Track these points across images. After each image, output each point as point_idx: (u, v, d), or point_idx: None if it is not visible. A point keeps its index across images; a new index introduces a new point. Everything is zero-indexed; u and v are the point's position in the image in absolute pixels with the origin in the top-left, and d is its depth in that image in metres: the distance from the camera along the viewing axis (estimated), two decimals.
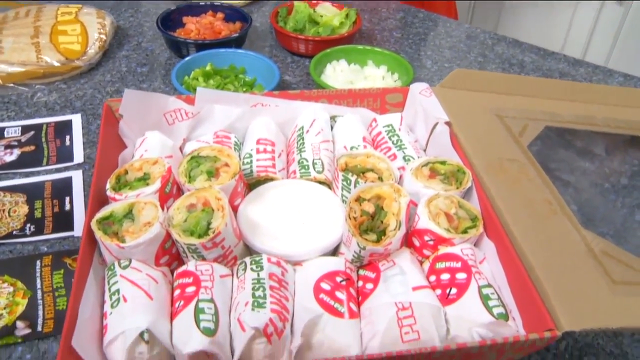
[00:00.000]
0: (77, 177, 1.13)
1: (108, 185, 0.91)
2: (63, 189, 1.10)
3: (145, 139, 1.05)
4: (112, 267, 0.82)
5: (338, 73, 1.41)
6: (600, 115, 1.22)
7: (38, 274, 0.93)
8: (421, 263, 0.91)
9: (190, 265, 0.83)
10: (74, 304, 0.75)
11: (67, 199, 1.07)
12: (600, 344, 0.90)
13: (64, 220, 1.03)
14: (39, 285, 0.91)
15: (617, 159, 1.26)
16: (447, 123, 1.09)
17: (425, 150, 1.12)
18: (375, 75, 1.41)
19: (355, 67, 1.43)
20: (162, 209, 0.85)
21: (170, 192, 0.91)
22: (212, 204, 0.85)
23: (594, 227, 1.06)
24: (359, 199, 0.89)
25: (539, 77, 1.52)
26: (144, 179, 0.91)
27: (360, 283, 0.88)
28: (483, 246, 0.91)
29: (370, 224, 0.87)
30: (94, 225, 0.83)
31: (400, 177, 1.00)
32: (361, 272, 0.89)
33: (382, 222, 0.87)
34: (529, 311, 0.80)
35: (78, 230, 1.01)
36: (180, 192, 0.94)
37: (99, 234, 0.82)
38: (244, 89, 1.33)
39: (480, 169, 0.99)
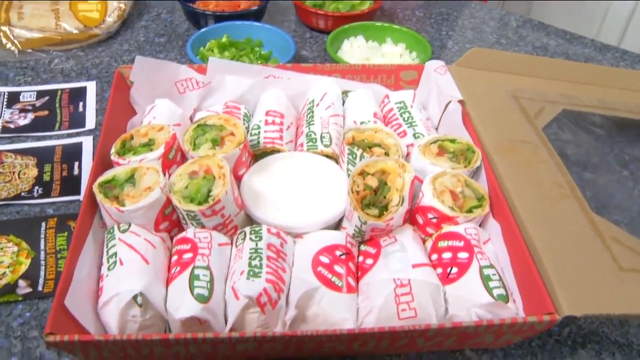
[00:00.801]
0: (87, 143, 1.13)
1: (113, 150, 0.90)
2: (73, 154, 1.10)
3: (154, 106, 1.04)
4: (111, 231, 0.82)
5: (355, 49, 1.38)
6: (623, 100, 1.18)
7: (42, 236, 0.93)
8: (424, 241, 0.89)
9: (189, 232, 0.83)
10: (70, 264, 0.75)
11: (76, 164, 1.08)
12: (605, 332, 0.87)
13: (72, 185, 1.03)
14: (42, 247, 0.92)
15: (638, 146, 1.22)
16: (460, 102, 1.06)
17: (437, 129, 1.10)
18: (392, 53, 1.38)
19: (373, 44, 1.40)
20: (165, 175, 0.84)
21: (174, 159, 0.90)
22: (214, 171, 0.84)
23: (608, 214, 1.03)
24: (362, 173, 0.87)
25: (559, 59, 1.47)
26: (149, 145, 0.91)
27: (361, 258, 0.86)
28: (488, 227, 0.88)
29: (372, 198, 0.85)
30: (95, 188, 0.83)
31: (408, 154, 0.98)
32: (362, 247, 0.87)
33: (385, 197, 0.85)
34: (531, 294, 0.77)
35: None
36: (184, 159, 0.93)
37: (99, 197, 0.82)
38: (259, 62, 1.31)
39: (490, 149, 0.97)
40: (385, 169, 0.87)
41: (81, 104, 1.23)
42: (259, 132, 1.02)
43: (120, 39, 1.46)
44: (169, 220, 0.85)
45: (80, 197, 1.01)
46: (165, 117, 1.01)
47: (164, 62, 1.09)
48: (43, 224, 0.95)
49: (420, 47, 1.37)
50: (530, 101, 1.11)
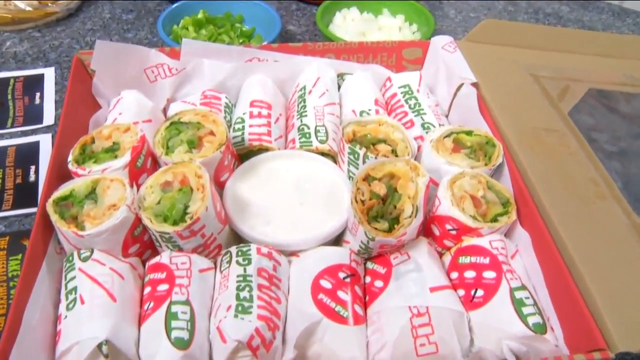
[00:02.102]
0: (45, 142, 0.99)
1: (70, 157, 0.77)
2: (28, 156, 0.96)
3: (120, 99, 0.90)
4: (70, 259, 0.69)
5: (348, 23, 1.24)
6: None
7: None
8: (441, 255, 0.77)
9: (164, 257, 0.70)
10: (18, 303, 0.63)
11: (33, 168, 0.94)
12: None
13: (27, 194, 0.90)
14: None
15: None
16: (474, 84, 0.93)
17: (447, 116, 0.97)
18: (390, 26, 1.23)
19: (368, 16, 1.26)
20: (132, 187, 0.71)
21: (143, 166, 0.76)
22: (191, 182, 0.71)
23: None
24: (367, 178, 0.74)
25: (579, 30, 1.33)
26: (113, 150, 0.77)
27: (368, 279, 0.74)
28: (515, 236, 0.76)
29: (381, 208, 0.72)
30: (49, 207, 0.70)
31: (418, 148, 0.85)
32: (369, 265, 0.75)
33: (395, 207, 0.72)
34: (572, 321, 0.66)
35: None
36: (156, 165, 0.80)
37: (54, 218, 0.69)
38: (241, 41, 1.17)
39: (512, 141, 0.84)
40: (394, 172, 0.74)
41: (38, 94, 1.08)
42: (243, 127, 0.88)
43: (83, 17, 1.31)
44: (140, 242, 0.72)
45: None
46: (133, 112, 0.87)
47: (129, 47, 0.95)
48: None
49: (421, 18, 1.23)
50: (551, 80, 0.98)
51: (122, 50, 0.94)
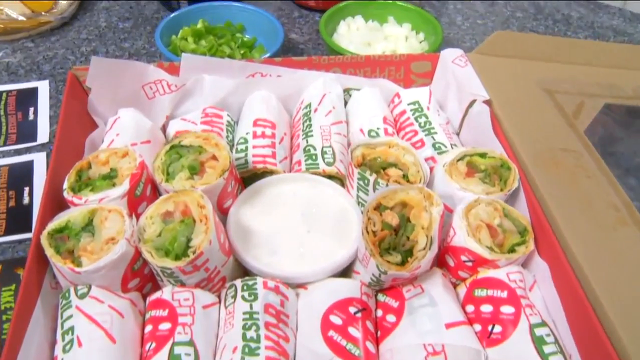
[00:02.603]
0: (39, 161, 0.95)
1: (66, 184, 0.73)
2: (22, 176, 0.93)
3: (117, 119, 0.87)
4: (66, 295, 0.66)
5: (353, 32, 1.20)
6: None
7: None
8: (455, 286, 0.74)
9: (166, 292, 0.67)
10: (11, 346, 0.60)
11: (26, 189, 0.90)
12: None
13: (21, 218, 0.86)
14: None
15: None
16: (487, 102, 0.89)
17: (458, 134, 0.93)
18: (396, 35, 1.20)
19: (373, 25, 1.22)
20: (132, 216, 0.68)
21: (142, 194, 0.73)
22: (194, 212, 0.68)
23: None
24: (379, 207, 0.71)
25: (593, 41, 1.30)
26: (110, 177, 0.74)
27: (380, 313, 0.71)
28: (533, 266, 0.73)
29: (393, 240, 0.69)
30: (44, 240, 0.66)
31: (431, 170, 0.82)
32: (381, 297, 0.72)
33: (408, 238, 0.69)
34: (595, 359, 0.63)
35: None
36: (156, 192, 0.77)
37: (49, 253, 0.65)
38: (242, 52, 1.13)
39: (528, 163, 0.81)
40: (406, 201, 0.71)
41: (32, 110, 1.05)
42: (247, 148, 0.85)
43: (77, 25, 1.27)
44: (140, 276, 0.69)
45: (30, 235, 0.84)
46: (131, 133, 0.84)
47: (126, 63, 0.92)
48: None
49: (428, 27, 1.19)
50: (566, 96, 0.95)
51: (119, 66, 0.91)
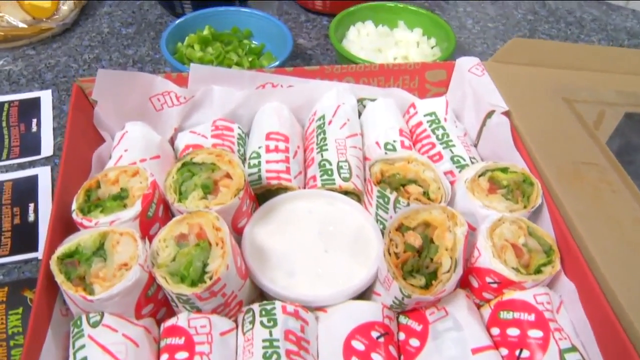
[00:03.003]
0: (44, 176, 0.93)
1: (74, 205, 0.71)
2: (26, 192, 0.90)
3: (125, 133, 0.84)
4: (78, 323, 0.63)
5: (363, 38, 1.18)
6: None
7: None
8: (478, 307, 0.72)
9: (182, 319, 0.65)
10: None
11: (31, 206, 0.88)
12: None
13: (27, 237, 0.84)
14: None
15: None
16: (506, 113, 0.87)
17: (476, 146, 0.91)
18: (407, 41, 1.17)
19: (383, 30, 1.20)
20: (144, 239, 0.66)
21: (154, 216, 0.71)
22: (209, 235, 0.65)
23: None
24: (401, 228, 0.69)
25: (610, 47, 1.27)
26: (121, 198, 0.71)
27: (403, 336, 0.69)
28: (559, 286, 0.71)
29: (416, 262, 0.67)
30: (54, 265, 0.64)
31: (451, 184, 0.79)
32: (403, 319, 0.70)
33: (431, 259, 0.67)
34: None
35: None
36: (168, 213, 0.74)
37: (59, 279, 0.63)
38: (250, 59, 1.10)
39: (550, 178, 0.79)
40: (429, 221, 0.69)
41: (34, 121, 1.02)
42: (260, 163, 0.83)
43: (80, 32, 1.24)
44: (154, 301, 0.67)
45: (39, 255, 0.81)
46: (140, 149, 0.82)
47: (133, 74, 0.89)
48: None
49: (440, 32, 1.17)
50: (585, 105, 0.93)
51: (126, 78, 0.88)
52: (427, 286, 0.65)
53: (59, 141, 0.99)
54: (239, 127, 0.90)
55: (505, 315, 0.68)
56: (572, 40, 1.30)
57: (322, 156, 0.84)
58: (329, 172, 0.81)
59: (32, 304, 0.75)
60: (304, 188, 0.83)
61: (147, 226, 0.70)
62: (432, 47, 1.18)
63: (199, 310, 0.65)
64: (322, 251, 0.74)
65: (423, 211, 0.69)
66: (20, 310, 0.75)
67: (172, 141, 0.91)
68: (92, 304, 0.62)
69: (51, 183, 0.92)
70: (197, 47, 1.09)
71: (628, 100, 0.96)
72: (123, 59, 1.17)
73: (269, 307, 0.66)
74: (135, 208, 0.68)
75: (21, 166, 0.95)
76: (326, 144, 0.85)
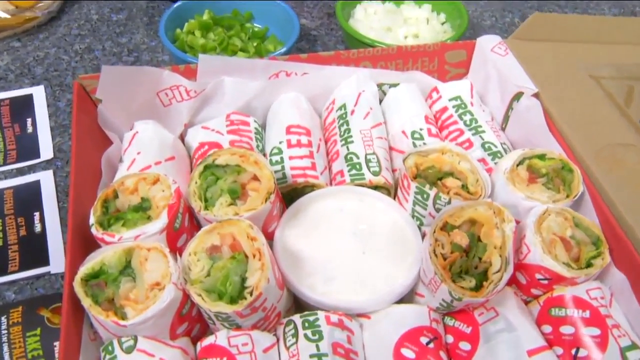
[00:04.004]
0: (47, 181, 0.87)
1: (92, 219, 0.65)
2: (30, 199, 0.84)
3: (135, 134, 0.79)
4: (110, 349, 0.59)
5: (371, 16, 1.12)
6: None
7: (4, 338, 0.69)
8: (525, 303, 0.69)
9: (221, 337, 0.61)
10: None
11: (37, 215, 0.82)
12: None
13: (36, 250, 0.78)
14: (6, 354, 0.68)
15: None
16: (535, 95, 0.83)
17: (504, 129, 0.87)
18: (417, 17, 1.12)
19: (390, 7, 1.14)
20: (174, 253, 0.61)
21: (181, 227, 0.66)
22: (244, 246, 0.61)
23: None
24: (445, 226, 0.65)
25: (631, 17, 1.24)
26: (143, 209, 0.66)
27: (451, 339, 0.66)
28: (609, 278, 0.69)
29: (464, 262, 0.64)
30: (78, 288, 0.59)
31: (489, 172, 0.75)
32: (449, 321, 0.67)
33: (480, 259, 0.64)
34: None
35: (57, 264, 0.77)
36: (193, 221, 0.70)
37: (86, 303, 0.59)
38: (254, 44, 1.04)
39: (589, 163, 0.76)
40: (475, 218, 0.65)
41: (29, 121, 0.96)
42: (282, 160, 0.78)
43: (67, 20, 1.16)
44: (189, 320, 0.63)
45: (51, 269, 0.76)
46: (153, 151, 0.77)
47: (139, 70, 0.84)
48: (3, 318, 0.71)
49: (449, 7, 1.12)
50: (613, 81, 0.90)
51: (131, 73, 0.82)
52: (477, 287, 0.62)
53: (58, 142, 0.92)
54: (255, 121, 0.85)
55: (557, 312, 0.66)
56: (581, 9, 1.26)
57: (347, 149, 0.79)
58: (357, 167, 0.77)
59: (50, 323, 0.71)
60: (331, 184, 0.79)
61: (175, 238, 0.65)
62: (442, 24, 1.13)
63: (238, 327, 0.61)
64: (360, 253, 0.70)
65: (468, 208, 0.66)
66: (38, 331, 0.70)
67: (181, 138, 0.86)
68: (126, 329, 0.58)
69: (55, 188, 0.86)
70: (198, 34, 1.02)
71: None
72: (117, 48, 1.10)
73: (311, 319, 0.63)
74: (162, 220, 0.63)
75: (20, 171, 0.89)
76: (351, 136, 0.80)
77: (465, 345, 0.65)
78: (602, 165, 0.76)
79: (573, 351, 0.63)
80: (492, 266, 0.63)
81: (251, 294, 0.58)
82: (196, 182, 0.69)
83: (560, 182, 0.73)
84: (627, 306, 0.66)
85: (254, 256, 0.60)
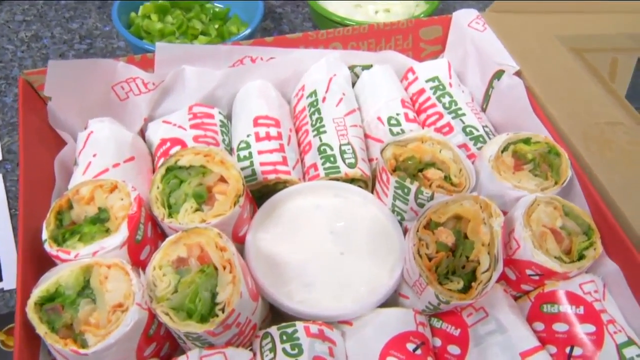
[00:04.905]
0: None
1: (45, 234, 0.60)
2: None
3: (90, 133, 0.73)
4: None
5: None
6: None
7: None
8: (515, 299, 0.66)
9: (193, 358, 0.56)
10: None
11: None
12: None
13: None
14: None
15: None
16: (517, 73, 0.79)
17: (484, 110, 0.83)
18: None
19: None
20: (137, 269, 0.56)
21: (144, 238, 0.61)
22: (213, 258, 0.56)
23: None
24: (429, 224, 0.61)
25: None
26: (101, 220, 0.61)
27: (439, 342, 0.63)
28: (601, 269, 0.65)
29: (451, 262, 0.60)
30: (32, 314, 0.54)
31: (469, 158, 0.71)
32: (436, 323, 0.64)
33: (467, 258, 0.60)
34: None
35: (11, 279, 0.71)
36: (157, 230, 0.65)
37: (42, 331, 0.53)
38: (216, 25, 0.98)
39: (577, 144, 0.72)
40: (460, 213, 0.62)
41: None
42: (251, 155, 0.73)
43: (8, 5, 1.08)
44: (156, 340, 0.58)
45: (4, 284, 0.71)
46: (110, 152, 0.71)
47: (90, 62, 0.78)
48: None
49: None
50: (596, 54, 0.86)
51: (82, 67, 0.76)
52: (465, 289, 0.59)
53: (7, 142, 0.86)
54: (219, 112, 0.79)
55: (549, 309, 0.63)
56: None
57: (320, 140, 0.74)
58: (332, 159, 0.72)
59: (4, 347, 0.66)
60: (304, 179, 0.74)
61: (137, 251, 0.60)
62: None
63: (211, 346, 0.56)
64: (339, 254, 0.66)
65: (452, 203, 0.62)
66: None
67: (142, 133, 0.80)
68: (87, 357, 0.53)
69: (5, 194, 0.80)
70: (154, 18, 0.96)
71: (638, 43, 0.89)
72: (68, 35, 1.03)
73: (289, 330, 0.59)
74: (122, 233, 0.58)
75: None
76: (323, 125, 0.75)
77: (454, 349, 0.61)
78: (590, 147, 0.72)
79: (567, 350, 0.60)
80: (481, 265, 0.59)
81: (223, 310, 0.53)
82: (158, 187, 0.63)
83: (548, 167, 0.69)
84: (621, 297, 0.63)
85: (224, 268, 0.55)
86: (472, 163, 0.70)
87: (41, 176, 0.70)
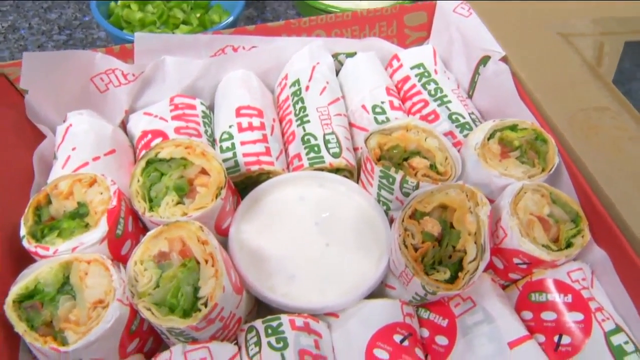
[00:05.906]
0: None
1: (23, 230, 0.59)
2: None
3: (69, 127, 0.72)
4: None
5: None
6: None
7: None
8: (503, 287, 0.66)
9: (177, 353, 0.56)
10: None
11: None
12: None
13: None
14: None
15: None
16: (503, 59, 0.78)
17: (471, 97, 0.83)
18: None
19: None
20: (117, 264, 0.56)
21: (124, 232, 0.60)
22: (195, 251, 0.55)
23: None
24: (414, 214, 0.61)
25: None
26: (80, 215, 0.60)
27: (426, 333, 0.62)
28: (589, 256, 0.65)
29: (437, 252, 0.59)
30: (10, 312, 0.54)
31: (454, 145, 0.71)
32: (424, 313, 0.64)
33: (454, 247, 0.59)
34: None
35: None
36: (138, 224, 0.64)
37: (21, 329, 0.53)
38: (197, 14, 0.97)
39: (563, 131, 0.72)
40: (446, 203, 0.61)
41: None
42: (234, 146, 0.72)
43: None
44: (139, 335, 0.58)
45: None
46: (90, 145, 0.70)
47: (67, 54, 0.76)
48: None
49: None
50: (583, 39, 0.85)
51: (59, 59, 0.75)
52: (452, 279, 0.58)
53: None
54: (201, 103, 0.78)
55: (537, 297, 0.62)
56: None
57: (304, 130, 0.74)
58: (316, 149, 0.72)
59: None
60: (288, 169, 0.74)
61: (118, 246, 0.59)
62: None
63: (195, 341, 0.56)
64: (323, 245, 0.65)
65: (438, 192, 0.61)
66: None
67: (123, 126, 0.79)
68: (67, 355, 0.52)
69: None
70: (134, 7, 0.94)
71: (626, 27, 0.89)
72: (46, 26, 1.01)
73: (274, 324, 0.58)
74: (101, 228, 0.57)
75: None
76: (307, 115, 0.75)
77: (442, 340, 0.61)
78: (577, 133, 0.72)
79: (555, 338, 0.60)
80: (467, 255, 0.59)
81: (206, 305, 0.53)
82: (138, 180, 0.62)
83: (535, 154, 0.69)
84: (609, 284, 0.63)
85: (207, 262, 0.55)
86: (459, 151, 0.70)
87: (20, 171, 0.69)
